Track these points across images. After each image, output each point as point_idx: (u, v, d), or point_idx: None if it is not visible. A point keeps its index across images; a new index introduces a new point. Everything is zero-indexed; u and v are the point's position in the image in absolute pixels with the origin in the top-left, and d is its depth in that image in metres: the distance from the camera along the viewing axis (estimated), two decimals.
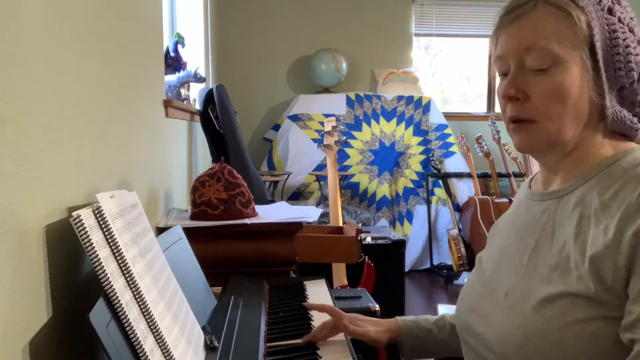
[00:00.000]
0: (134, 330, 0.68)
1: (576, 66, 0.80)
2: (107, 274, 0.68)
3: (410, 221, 4.54)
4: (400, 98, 4.61)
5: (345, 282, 2.56)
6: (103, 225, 0.73)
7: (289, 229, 1.43)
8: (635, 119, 0.85)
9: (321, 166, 4.36)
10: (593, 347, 0.74)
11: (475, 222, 4.24)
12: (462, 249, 4.29)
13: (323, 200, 3.96)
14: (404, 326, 1.09)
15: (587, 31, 0.80)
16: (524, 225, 0.90)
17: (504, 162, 4.50)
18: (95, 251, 0.68)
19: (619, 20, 0.82)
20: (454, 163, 4.60)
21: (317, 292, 1.34)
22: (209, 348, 0.89)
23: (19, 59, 0.71)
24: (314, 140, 4.30)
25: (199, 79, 2.46)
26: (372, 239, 3.09)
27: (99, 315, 0.64)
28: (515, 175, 4.54)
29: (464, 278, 4.19)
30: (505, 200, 4.27)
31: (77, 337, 0.83)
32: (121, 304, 0.68)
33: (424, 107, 4.62)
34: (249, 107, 4.72)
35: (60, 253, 0.81)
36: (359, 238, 1.87)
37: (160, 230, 1.22)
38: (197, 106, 2.88)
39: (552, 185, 0.89)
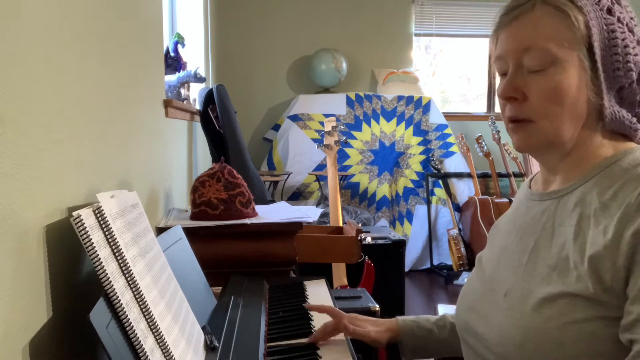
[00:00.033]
0: (134, 330, 0.68)
1: (574, 66, 0.80)
2: (107, 273, 0.68)
3: (410, 221, 4.54)
4: (400, 98, 4.61)
5: (345, 282, 2.56)
6: (103, 225, 0.73)
7: (289, 229, 1.43)
8: (634, 119, 0.84)
9: (321, 166, 4.36)
10: (592, 347, 0.74)
11: (475, 222, 4.24)
12: (462, 249, 4.29)
13: (323, 200, 3.96)
14: (404, 326, 1.09)
15: (585, 31, 0.80)
16: (523, 225, 0.90)
17: (504, 162, 4.50)
18: (96, 251, 0.68)
19: (618, 20, 0.82)
20: (454, 163, 4.60)
21: (317, 292, 1.34)
22: (209, 348, 0.89)
23: (19, 59, 0.71)
24: (314, 140, 4.30)
25: (199, 79, 2.46)
26: (372, 239, 3.09)
27: (99, 315, 0.64)
28: (515, 175, 4.54)
29: (464, 278, 4.19)
30: (505, 200, 4.27)
31: (77, 337, 0.83)
32: (121, 304, 0.68)
33: (424, 107, 4.62)
34: (249, 107, 4.72)
35: (60, 253, 0.81)
36: (359, 238, 1.87)
37: (160, 230, 1.22)
38: (197, 106, 2.88)
39: (552, 185, 0.89)
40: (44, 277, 0.75)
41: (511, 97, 0.84)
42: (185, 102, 2.51)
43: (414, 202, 4.55)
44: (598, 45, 0.80)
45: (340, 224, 2.69)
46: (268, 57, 4.80)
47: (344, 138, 3.14)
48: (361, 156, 4.53)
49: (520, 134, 0.85)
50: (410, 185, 4.57)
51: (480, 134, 4.58)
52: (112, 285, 0.68)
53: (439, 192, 4.58)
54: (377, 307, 1.82)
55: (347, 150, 4.50)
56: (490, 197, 4.33)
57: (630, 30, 0.83)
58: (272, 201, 2.88)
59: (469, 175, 4.58)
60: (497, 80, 0.89)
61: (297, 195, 4.42)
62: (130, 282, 0.73)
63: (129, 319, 0.68)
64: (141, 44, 1.50)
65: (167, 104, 1.92)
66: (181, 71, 2.51)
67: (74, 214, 0.68)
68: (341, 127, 3.89)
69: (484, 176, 4.65)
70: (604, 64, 0.81)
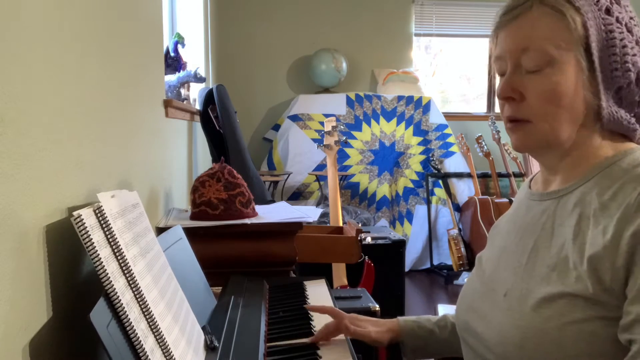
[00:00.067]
0: (135, 330, 0.68)
1: (571, 67, 0.80)
2: (107, 273, 0.68)
3: (410, 221, 4.54)
4: (400, 98, 4.61)
5: (345, 282, 2.56)
6: (104, 225, 0.73)
7: (289, 229, 1.43)
8: (633, 119, 0.84)
9: (321, 166, 4.36)
10: (591, 347, 0.74)
11: (475, 222, 4.24)
12: (462, 249, 4.29)
13: (323, 200, 3.96)
14: (406, 326, 1.09)
15: (583, 32, 0.80)
16: (523, 225, 0.90)
17: (504, 162, 4.50)
18: (96, 251, 0.68)
19: (617, 20, 0.82)
20: (454, 163, 4.60)
21: (317, 292, 1.34)
22: (209, 348, 0.89)
23: (19, 59, 0.71)
24: (314, 140, 4.30)
25: (199, 79, 2.46)
26: (372, 239, 3.09)
27: (99, 315, 0.64)
28: (515, 175, 4.54)
29: (464, 278, 4.19)
30: (505, 200, 4.27)
31: (77, 337, 0.83)
32: (122, 304, 0.68)
33: (424, 107, 4.62)
34: (249, 107, 4.72)
35: (60, 253, 0.81)
36: (359, 238, 1.87)
37: (160, 230, 1.22)
38: (197, 106, 2.88)
39: (551, 186, 0.89)
40: (44, 277, 0.75)
41: (509, 97, 0.84)
42: (185, 102, 2.51)
43: (414, 202, 4.55)
44: (595, 45, 0.80)
45: (340, 224, 2.70)
46: (268, 57, 4.80)
47: (344, 138, 3.14)
48: (361, 156, 4.53)
49: (518, 134, 0.86)
50: (410, 185, 4.57)
51: (480, 134, 4.59)
52: (113, 285, 0.68)
53: (439, 192, 4.58)
54: (377, 307, 1.82)
55: (347, 150, 4.50)
56: (490, 197, 4.33)
57: (629, 31, 0.82)
58: (272, 201, 2.88)
59: (469, 175, 4.58)
60: (497, 80, 0.90)
61: (297, 195, 4.42)
62: (130, 282, 0.73)
63: (129, 319, 0.68)
64: (141, 44, 1.50)
65: (167, 104, 1.92)
66: (181, 71, 2.51)
67: (75, 213, 0.68)
68: (341, 127, 3.89)
69: (484, 176, 4.65)
70: (601, 64, 0.81)
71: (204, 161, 3.22)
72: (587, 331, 0.74)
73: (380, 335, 1.07)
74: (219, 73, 4.41)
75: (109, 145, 1.12)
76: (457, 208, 4.55)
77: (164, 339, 0.74)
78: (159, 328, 0.74)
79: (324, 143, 3.04)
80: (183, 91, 2.51)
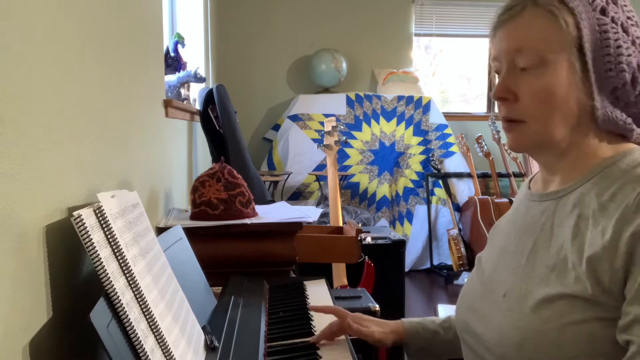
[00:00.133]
0: (135, 330, 0.68)
1: (563, 68, 0.80)
2: (107, 273, 0.68)
3: (410, 221, 4.54)
4: (400, 98, 4.61)
5: (345, 282, 2.56)
6: (104, 225, 0.73)
7: (289, 229, 1.43)
8: (629, 119, 0.84)
9: (321, 166, 4.36)
10: (590, 348, 0.74)
11: (475, 222, 4.24)
12: (462, 249, 4.29)
13: (323, 200, 3.96)
14: (410, 328, 1.09)
15: (575, 32, 0.80)
16: (523, 226, 0.90)
17: (504, 162, 4.50)
18: (96, 251, 0.68)
19: (612, 20, 0.81)
20: (454, 163, 4.60)
21: (317, 292, 1.34)
22: (209, 348, 0.89)
23: (19, 59, 0.71)
24: (314, 140, 4.30)
25: (199, 79, 2.46)
26: (372, 239, 3.09)
27: (99, 315, 0.64)
28: (515, 175, 4.54)
29: (464, 278, 4.19)
30: (505, 200, 4.27)
31: (77, 337, 0.83)
32: (122, 304, 0.68)
33: (424, 107, 4.62)
34: (249, 107, 4.72)
35: (60, 253, 0.81)
36: (359, 238, 1.87)
37: (160, 230, 1.22)
38: (197, 106, 2.88)
39: (551, 186, 0.89)
40: (44, 277, 0.75)
41: (503, 97, 0.85)
42: (185, 102, 2.51)
43: (414, 202, 4.55)
44: (589, 46, 0.80)
45: (340, 224, 2.70)
46: (268, 57, 4.80)
47: (344, 138, 3.14)
48: (361, 156, 4.53)
49: (513, 134, 0.86)
50: (410, 185, 4.57)
51: (480, 134, 4.59)
52: (113, 285, 0.68)
53: (439, 192, 4.58)
54: (377, 307, 1.82)
55: (347, 150, 4.50)
56: (490, 197, 4.33)
57: (625, 31, 0.82)
58: (272, 201, 2.88)
59: (469, 175, 4.58)
60: (497, 80, 0.90)
61: (297, 195, 4.42)
62: (130, 282, 0.73)
63: (129, 319, 0.68)
64: (141, 44, 1.50)
65: (167, 104, 1.92)
66: (181, 71, 2.51)
67: (75, 213, 0.68)
68: (341, 127, 3.89)
69: (484, 176, 4.65)
70: (595, 65, 0.80)
71: (204, 161, 3.22)
72: (586, 332, 0.74)
73: (384, 335, 1.07)
74: (219, 73, 4.41)
75: (109, 145, 1.12)
76: (457, 208, 4.55)
77: (164, 339, 0.74)
78: (159, 328, 0.74)
79: (324, 143, 3.04)
80: (183, 91, 2.51)
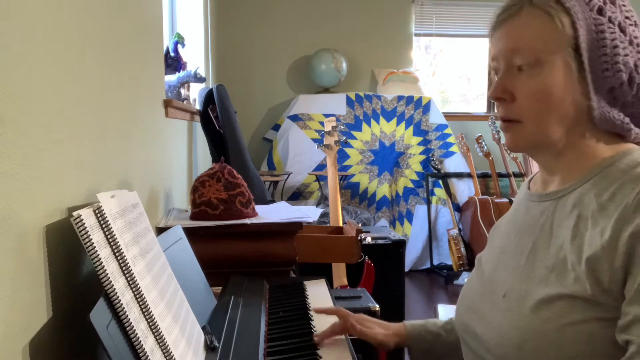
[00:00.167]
0: (135, 330, 0.68)
1: (559, 68, 0.80)
2: (107, 273, 0.68)
3: (410, 221, 4.54)
4: (400, 98, 4.61)
5: (345, 282, 2.56)
6: (104, 225, 0.73)
7: (289, 229, 1.43)
8: (627, 119, 0.83)
9: (321, 166, 4.36)
10: (590, 348, 0.74)
11: (475, 222, 4.24)
12: (462, 249, 4.29)
13: (323, 200, 3.96)
14: (412, 330, 1.09)
15: (571, 32, 0.80)
16: (523, 226, 0.90)
17: (504, 162, 4.50)
18: (96, 251, 0.68)
19: (609, 20, 0.81)
20: (454, 163, 4.60)
21: (317, 292, 1.34)
22: (209, 348, 0.89)
23: (19, 59, 0.71)
24: (314, 140, 4.30)
25: (199, 79, 2.46)
26: (372, 239, 3.08)
27: (99, 315, 0.64)
28: (515, 175, 4.54)
29: (464, 278, 4.19)
30: (505, 200, 4.27)
31: (77, 337, 0.83)
32: (122, 304, 0.68)
33: (424, 107, 4.63)
34: (249, 107, 4.72)
35: (60, 253, 0.81)
36: (359, 238, 1.87)
37: (160, 230, 1.22)
38: (197, 106, 2.88)
39: (550, 186, 0.89)
40: (44, 277, 0.75)
41: (500, 97, 0.85)
42: (185, 102, 2.51)
43: (414, 202, 4.55)
44: (585, 46, 0.80)
45: (340, 224, 2.69)
46: (268, 57, 4.80)
47: (344, 138, 3.14)
48: (361, 156, 4.53)
49: (510, 134, 0.86)
50: (410, 185, 4.57)
51: (480, 134, 4.59)
52: (113, 285, 0.68)
53: (439, 192, 4.58)
54: (377, 307, 1.82)
55: (347, 150, 4.50)
56: (490, 197, 4.33)
57: (622, 31, 0.82)
58: (272, 201, 2.88)
59: (469, 175, 4.58)
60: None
61: (297, 195, 4.42)
62: (130, 282, 0.73)
63: (129, 319, 0.68)
64: (141, 44, 1.50)
65: (167, 104, 1.92)
66: (181, 71, 2.51)
67: (74, 213, 0.68)
68: (341, 127, 3.89)
69: (484, 176, 4.65)
70: (591, 64, 0.80)
71: (204, 161, 3.22)
72: (585, 332, 0.74)
73: (387, 337, 1.07)
74: (219, 73, 4.41)
75: (108, 145, 1.12)
76: (457, 208, 4.55)
77: (164, 339, 0.74)
78: (159, 328, 0.74)
79: (324, 143, 3.04)
80: (183, 91, 2.51)
